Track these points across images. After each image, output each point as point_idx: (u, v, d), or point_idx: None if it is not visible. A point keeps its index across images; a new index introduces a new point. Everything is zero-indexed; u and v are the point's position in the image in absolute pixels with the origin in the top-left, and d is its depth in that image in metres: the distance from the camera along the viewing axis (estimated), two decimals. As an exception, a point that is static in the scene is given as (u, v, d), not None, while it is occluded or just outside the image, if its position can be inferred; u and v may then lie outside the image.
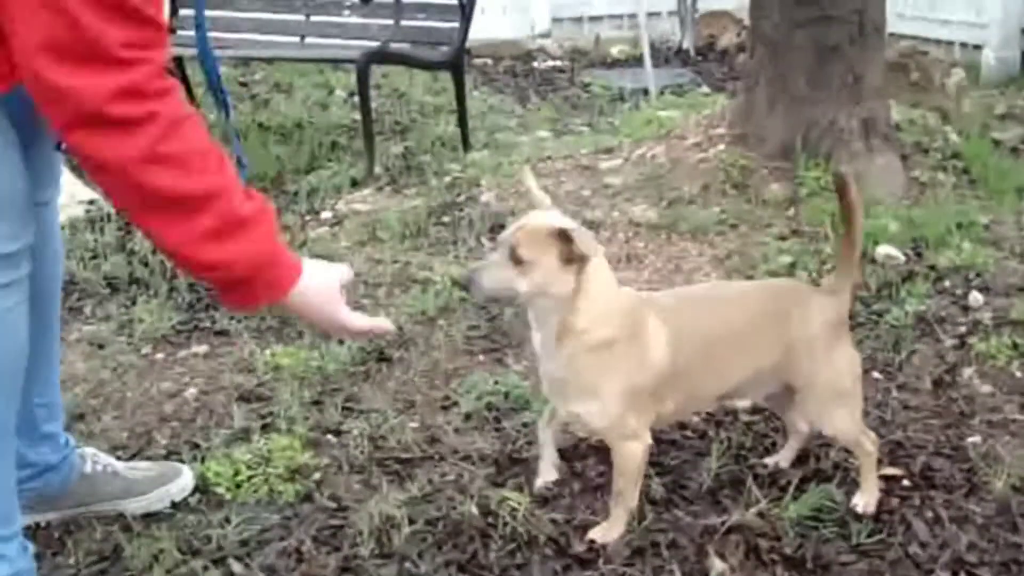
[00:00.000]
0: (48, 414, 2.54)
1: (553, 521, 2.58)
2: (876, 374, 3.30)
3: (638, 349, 2.43)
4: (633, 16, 8.88)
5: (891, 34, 5.28)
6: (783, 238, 4.29)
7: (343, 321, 2.14)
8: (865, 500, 2.63)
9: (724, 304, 2.67)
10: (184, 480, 2.76)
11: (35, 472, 2.54)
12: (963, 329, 3.53)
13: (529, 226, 2.31)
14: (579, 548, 2.49)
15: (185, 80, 6.96)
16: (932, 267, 3.95)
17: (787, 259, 4.05)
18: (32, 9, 1.76)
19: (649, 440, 2.50)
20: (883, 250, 4.02)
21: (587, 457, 2.86)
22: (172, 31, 6.82)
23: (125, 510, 2.67)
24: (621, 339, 2.41)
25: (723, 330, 2.56)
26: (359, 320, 2.18)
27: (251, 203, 1.99)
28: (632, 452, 2.48)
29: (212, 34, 6.11)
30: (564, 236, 2.25)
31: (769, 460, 2.83)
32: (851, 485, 2.71)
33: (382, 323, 2.27)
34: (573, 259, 2.28)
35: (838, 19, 4.71)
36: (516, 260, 2.27)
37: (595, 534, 2.52)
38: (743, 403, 2.99)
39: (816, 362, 2.57)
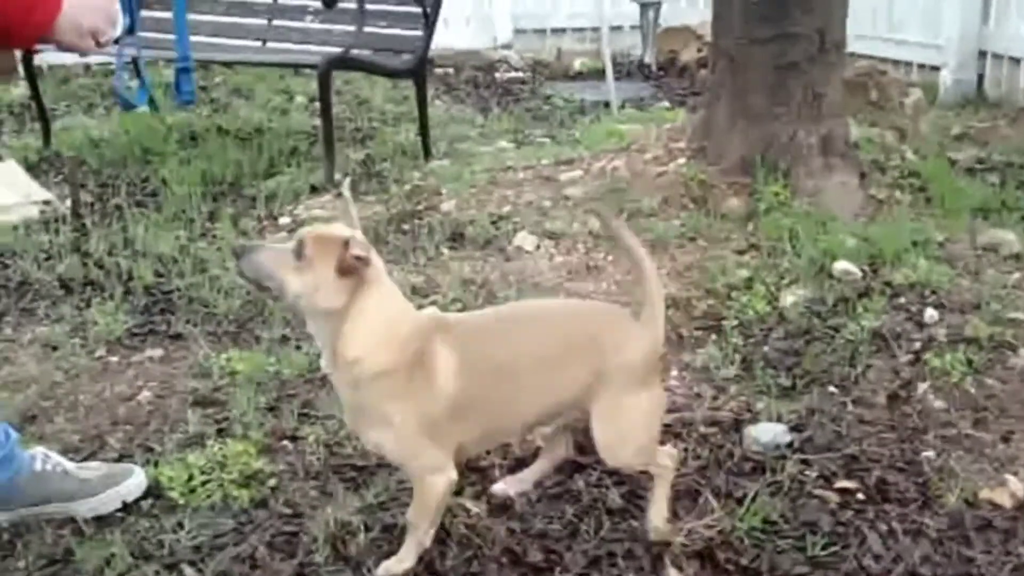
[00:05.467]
0: None
1: (509, 530, 2.58)
2: (832, 388, 3.32)
3: (424, 378, 2.28)
4: (595, 29, 8.92)
5: (850, 53, 5.32)
6: (741, 252, 4.31)
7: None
8: (656, 520, 2.57)
9: (528, 328, 2.48)
10: (136, 480, 2.73)
11: None
12: (918, 345, 3.56)
13: (324, 230, 2.25)
14: (535, 557, 2.49)
15: (143, 81, 6.92)
16: (888, 283, 3.98)
17: (745, 273, 4.07)
18: None
19: (453, 474, 2.36)
20: (840, 266, 4.05)
21: (544, 466, 2.86)
22: (131, 32, 6.78)
23: (76, 512, 2.64)
24: (401, 368, 2.25)
25: (524, 356, 2.40)
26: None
27: None
28: (432, 485, 2.34)
29: (172, 37, 6.12)
30: (346, 245, 2.16)
31: (500, 485, 2.74)
32: (807, 497, 2.73)
33: None
34: (349, 272, 2.17)
35: (799, 36, 4.75)
36: (298, 255, 2.17)
37: (383, 569, 2.41)
38: (544, 430, 2.80)
39: (623, 396, 2.43)
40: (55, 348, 3.60)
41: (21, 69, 6.72)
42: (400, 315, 2.30)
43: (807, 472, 2.85)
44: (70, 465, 2.71)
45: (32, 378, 3.39)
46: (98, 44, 2.19)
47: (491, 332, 2.46)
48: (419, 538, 2.41)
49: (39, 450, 2.71)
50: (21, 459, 2.62)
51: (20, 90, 7.45)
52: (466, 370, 2.31)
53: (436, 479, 2.34)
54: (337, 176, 5.48)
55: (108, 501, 2.67)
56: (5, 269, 4.26)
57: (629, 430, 2.46)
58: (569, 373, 2.41)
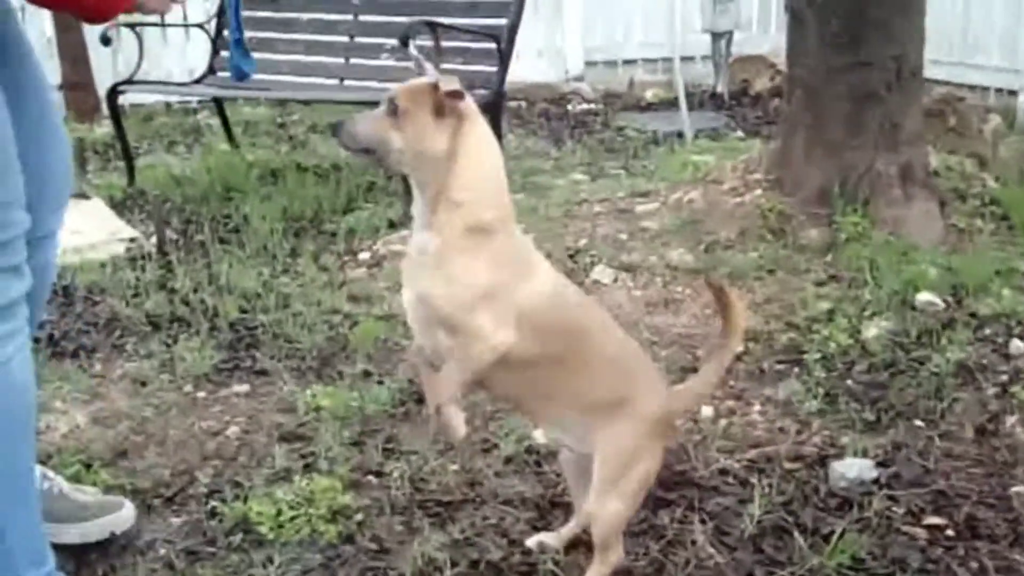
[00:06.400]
0: None
1: (595, 566, 2.58)
2: (918, 422, 3.28)
3: (522, 263, 2.26)
4: (667, 60, 8.95)
5: (927, 80, 5.28)
6: (821, 284, 4.28)
7: None
8: None
9: (604, 319, 2.47)
10: (126, 513, 2.73)
11: None
12: (1005, 377, 3.51)
13: (413, 82, 2.22)
14: (621, 594, 2.49)
15: (224, 120, 7.07)
16: (972, 314, 3.94)
17: (825, 305, 4.04)
18: None
19: (507, 340, 2.21)
20: (923, 297, 4.01)
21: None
22: (212, 71, 6.95)
23: (64, 535, 2.61)
24: (505, 238, 2.22)
25: (594, 336, 2.37)
26: None
27: None
28: (478, 353, 2.21)
29: (253, 76, 6.21)
30: (435, 88, 2.14)
31: (535, 539, 2.67)
32: (895, 534, 2.70)
33: None
34: (445, 112, 2.15)
35: (876, 65, 4.73)
36: (392, 112, 2.17)
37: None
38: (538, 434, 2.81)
39: (629, 443, 2.36)
40: (144, 384, 3.68)
41: (105, 108, 6.90)
42: (502, 167, 2.27)
43: (894, 508, 2.82)
44: (66, 486, 2.72)
45: (123, 413, 3.46)
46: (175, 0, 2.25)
47: (576, 299, 2.44)
48: (448, 391, 2.28)
49: (38, 469, 2.66)
50: None
51: (104, 129, 7.65)
52: (556, 299, 2.30)
53: (482, 347, 2.21)
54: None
55: (99, 529, 2.67)
56: (95, 306, 4.36)
57: (625, 482, 2.37)
58: (603, 375, 2.37)
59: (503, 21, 6.03)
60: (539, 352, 2.26)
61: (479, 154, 2.21)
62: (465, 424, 2.30)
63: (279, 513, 2.80)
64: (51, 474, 2.73)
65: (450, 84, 2.15)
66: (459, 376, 2.25)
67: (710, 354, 2.64)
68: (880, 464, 3.01)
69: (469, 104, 2.21)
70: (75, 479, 2.97)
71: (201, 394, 3.60)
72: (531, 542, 2.67)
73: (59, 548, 2.45)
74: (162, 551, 2.71)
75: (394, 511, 2.85)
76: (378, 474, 3.04)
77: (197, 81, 7.00)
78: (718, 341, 2.52)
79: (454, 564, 2.59)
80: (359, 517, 2.82)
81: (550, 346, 2.28)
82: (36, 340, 3.94)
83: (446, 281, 2.19)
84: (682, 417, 2.89)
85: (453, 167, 2.18)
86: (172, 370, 3.75)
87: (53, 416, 3.44)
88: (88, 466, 3.05)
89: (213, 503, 2.89)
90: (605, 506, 2.37)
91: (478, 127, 2.22)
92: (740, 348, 2.54)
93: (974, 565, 2.59)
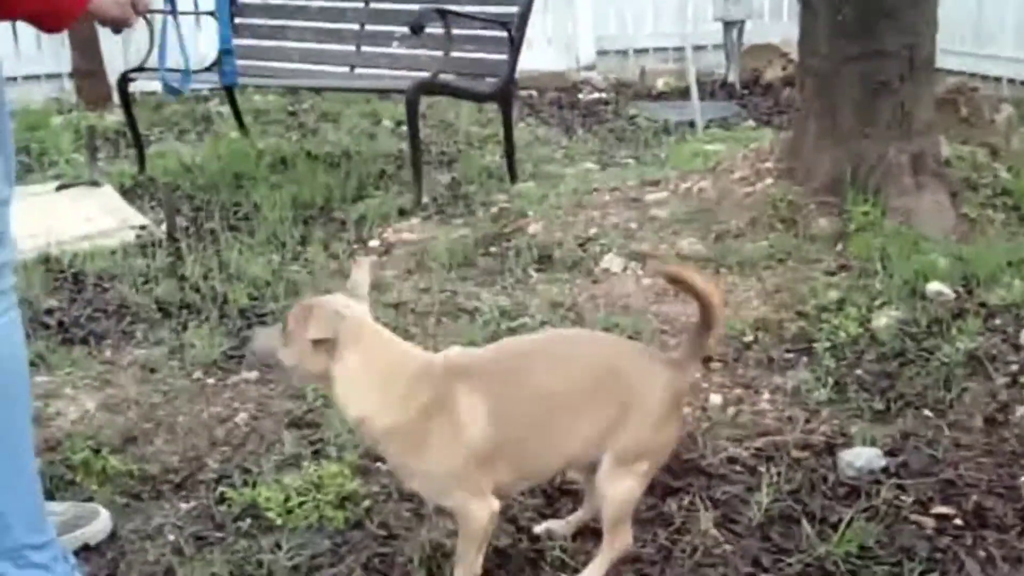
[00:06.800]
0: None
1: (603, 553, 2.58)
2: (927, 412, 3.27)
3: (447, 429, 2.24)
4: (679, 49, 8.94)
5: (939, 69, 5.25)
6: (831, 273, 4.27)
7: None
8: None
9: (554, 363, 2.38)
10: (101, 523, 2.71)
11: None
12: (1014, 367, 3.50)
13: (308, 301, 2.31)
14: (629, 581, 2.49)
15: (235, 108, 7.07)
16: (983, 304, 3.92)
17: (836, 294, 4.03)
18: None
19: (495, 505, 2.30)
20: (933, 287, 4.00)
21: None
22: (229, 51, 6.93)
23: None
24: (414, 422, 2.23)
25: (554, 395, 2.32)
26: None
27: None
28: (473, 520, 2.30)
29: (263, 64, 6.42)
30: (309, 314, 2.22)
31: (543, 526, 2.68)
32: (903, 523, 2.70)
33: None
34: (318, 340, 2.20)
35: (888, 54, 4.71)
36: (284, 329, 2.28)
37: None
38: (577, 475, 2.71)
39: (643, 436, 2.35)
40: (153, 370, 3.68)
41: (116, 96, 6.90)
42: (395, 367, 2.27)
43: (903, 497, 2.81)
44: None
45: (132, 399, 3.47)
46: (137, 12, 2.23)
47: (516, 372, 2.36)
48: (469, 568, 2.38)
49: None
50: None
51: (115, 117, 7.66)
52: (495, 417, 2.26)
53: (477, 512, 2.30)
54: (424, 199, 5.55)
55: (71, 542, 2.63)
56: (104, 293, 4.37)
57: (636, 464, 2.36)
58: (598, 408, 2.33)
59: (514, 9, 6.01)
60: (527, 453, 2.33)
61: (362, 375, 2.23)
62: None
63: (287, 499, 2.80)
64: None
65: (319, 325, 2.19)
66: (472, 551, 2.35)
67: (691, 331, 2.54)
68: (889, 453, 3.01)
69: (347, 324, 2.21)
70: (85, 465, 2.99)
71: (210, 381, 3.61)
72: (539, 529, 2.68)
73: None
74: (171, 536, 2.72)
75: (402, 497, 2.86)
76: (386, 461, 3.04)
77: (208, 69, 6.99)
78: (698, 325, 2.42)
79: (462, 550, 2.59)
80: (367, 503, 2.83)
81: (524, 432, 2.30)
82: (46, 326, 3.98)
83: (412, 480, 2.33)
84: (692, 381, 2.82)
85: (337, 390, 2.25)
86: (181, 357, 3.76)
87: (63, 402, 3.45)
88: (97, 452, 3.06)
89: (222, 489, 2.90)
90: (616, 485, 2.36)
91: (359, 348, 2.22)
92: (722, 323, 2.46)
93: (982, 554, 2.59)
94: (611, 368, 2.38)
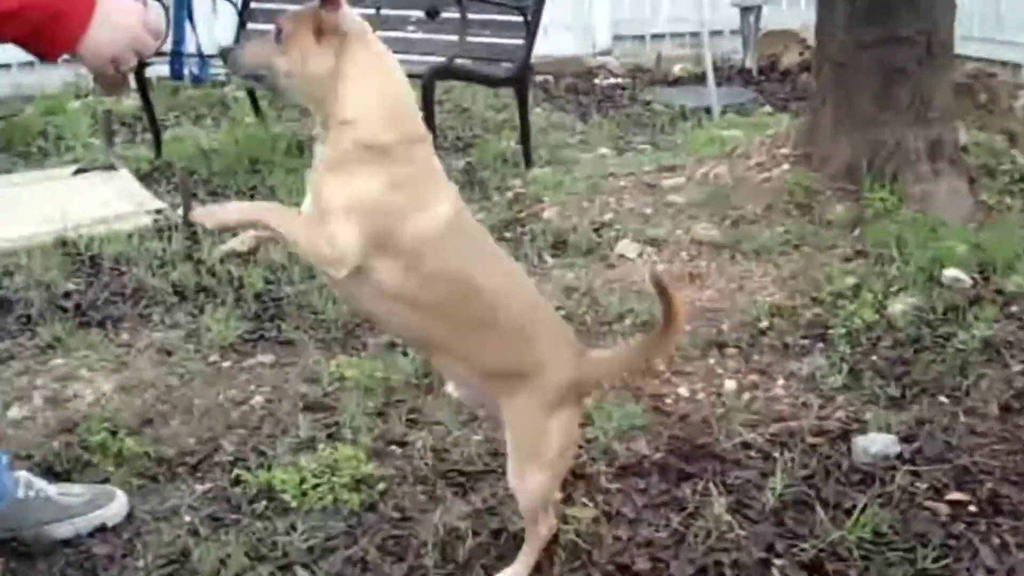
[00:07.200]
0: None
1: (616, 538, 2.60)
2: (942, 398, 3.27)
3: (418, 194, 2.19)
4: (695, 34, 8.88)
5: (957, 56, 5.23)
6: (848, 259, 4.26)
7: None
8: (512, 572, 2.46)
9: (513, 282, 2.40)
10: (117, 505, 2.75)
11: None
12: (1031, 355, 3.50)
13: (299, 9, 2.19)
14: (642, 565, 2.50)
15: (251, 93, 7.08)
16: (999, 291, 3.91)
17: (851, 280, 4.02)
18: None
19: (352, 256, 2.15)
20: (950, 273, 3.99)
21: (651, 474, 2.87)
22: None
23: (52, 534, 2.66)
24: (404, 164, 2.17)
25: (496, 289, 2.29)
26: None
27: None
28: (336, 243, 2.15)
29: None
30: (318, 10, 2.13)
31: None
32: (917, 509, 2.70)
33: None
34: (327, 31, 2.13)
35: (906, 40, 4.69)
36: (278, 38, 2.17)
37: None
38: (450, 389, 2.69)
39: (535, 415, 2.32)
40: (170, 353, 3.70)
41: (132, 81, 6.91)
42: (402, 86, 2.23)
43: (917, 484, 2.81)
44: (52, 490, 2.72)
45: (148, 382, 3.49)
46: (118, 71, 2.21)
47: (477, 239, 2.35)
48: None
49: (22, 475, 2.72)
50: (3, 485, 2.63)
51: (131, 102, 7.66)
52: (444, 238, 2.20)
53: (341, 239, 2.15)
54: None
55: (88, 524, 2.69)
56: (121, 276, 4.39)
57: (532, 454, 2.34)
58: (507, 349, 2.31)
59: (531, -7, 5.99)
60: (422, 294, 2.22)
61: (367, 73, 2.17)
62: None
63: (303, 481, 2.82)
64: (36, 481, 2.73)
65: (341, 15, 2.12)
66: (275, 222, 2.23)
67: (649, 334, 2.55)
68: (903, 440, 3.01)
69: (356, 24, 2.17)
70: (101, 447, 3.01)
71: (226, 364, 3.62)
72: None
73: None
74: (187, 517, 2.74)
75: (416, 480, 2.87)
76: (401, 444, 3.06)
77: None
78: (659, 327, 2.38)
79: (476, 533, 2.61)
80: (382, 486, 2.85)
81: (435, 291, 2.23)
82: (63, 309, 4.01)
83: (327, 187, 2.18)
84: (596, 387, 2.81)
85: (339, 87, 2.15)
86: (198, 340, 3.77)
87: (80, 384, 3.47)
88: (114, 433, 3.08)
89: (237, 471, 2.92)
90: (525, 480, 2.35)
91: (367, 46, 2.18)
92: (679, 339, 2.49)
93: (996, 541, 2.59)
94: (540, 323, 2.38)
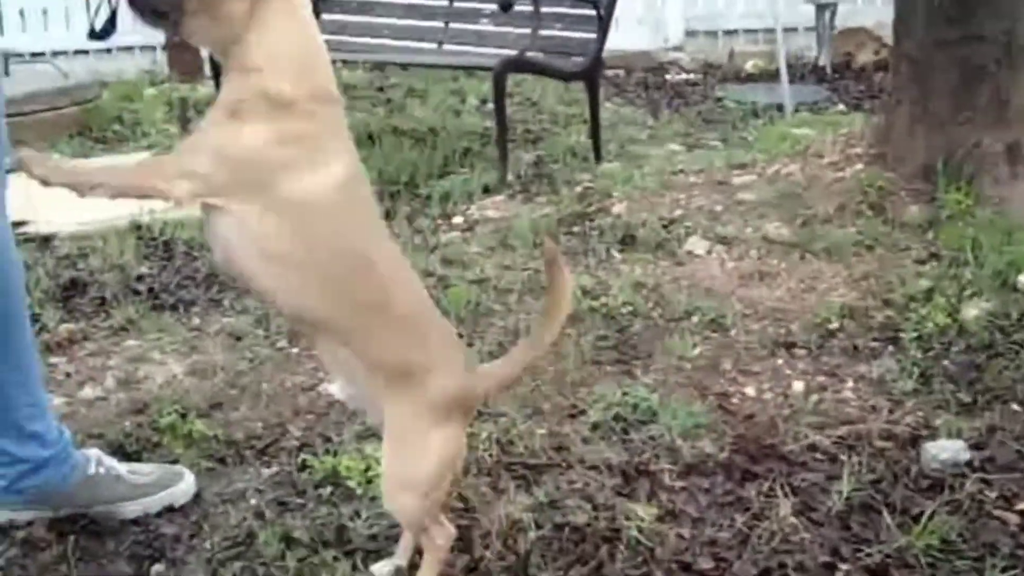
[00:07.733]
0: (33, 413, 2.57)
1: (679, 536, 2.58)
2: (1015, 406, 3.20)
3: (309, 155, 2.04)
4: (769, 31, 8.79)
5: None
6: (921, 262, 4.20)
7: None
8: None
9: (406, 273, 2.27)
10: (185, 485, 2.77)
11: (30, 468, 2.59)
12: (1108, 363, 3.42)
13: None
14: (705, 564, 2.48)
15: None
16: (1076, 298, 3.83)
17: (925, 283, 3.96)
18: None
19: (193, 193, 2.03)
20: (1025, 279, 3.92)
21: (716, 473, 2.85)
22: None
23: (121, 513, 2.69)
24: (304, 122, 2.03)
25: (378, 277, 2.16)
26: None
27: None
28: (177, 187, 2.04)
29: (351, 39, 6.42)
30: None
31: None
32: (986, 518, 2.65)
33: None
34: None
35: (986, 39, 4.61)
36: None
37: None
38: (335, 389, 2.64)
39: (416, 433, 2.21)
40: (239, 338, 3.75)
41: (207, 68, 7.01)
42: (318, 44, 2.09)
43: (987, 492, 2.76)
44: (122, 468, 2.75)
45: (218, 366, 3.53)
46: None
47: (381, 221, 2.27)
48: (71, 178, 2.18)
49: (94, 452, 2.75)
50: (75, 460, 2.67)
51: (207, 89, 7.76)
52: (331, 209, 2.08)
53: (178, 185, 2.05)
54: (509, 177, 5.56)
55: (157, 503, 2.72)
56: (194, 261, 4.45)
57: (404, 470, 2.23)
58: (395, 340, 2.18)
59: (604, -12, 5.98)
60: (310, 259, 2.09)
61: (284, 22, 2.04)
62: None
63: (368, 468, 2.83)
64: (107, 459, 2.77)
65: None
66: (104, 178, 2.16)
67: (529, 331, 2.44)
68: (974, 447, 2.95)
69: None
70: (171, 428, 3.05)
71: (294, 350, 3.66)
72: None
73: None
74: (253, 500, 2.77)
75: (481, 472, 2.88)
76: (466, 435, 3.06)
77: None
78: (539, 319, 2.32)
79: (539, 526, 2.61)
80: (446, 476, 2.85)
81: (324, 260, 2.10)
82: (137, 292, 4.07)
83: (205, 125, 2.09)
84: (482, 401, 2.61)
85: (250, 34, 2.01)
86: (267, 326, 3.82)
87: (151, 366, 3.53)
88: (184, 416, 3.12)
89: (303, 456, 2.95)
90: (396, 501, 2.26)
91: (290, 7, 2.06)
92: (557, 331, 2.33)
93: (1068, 553, 2.54)
94: (430, 323, 2.27)
